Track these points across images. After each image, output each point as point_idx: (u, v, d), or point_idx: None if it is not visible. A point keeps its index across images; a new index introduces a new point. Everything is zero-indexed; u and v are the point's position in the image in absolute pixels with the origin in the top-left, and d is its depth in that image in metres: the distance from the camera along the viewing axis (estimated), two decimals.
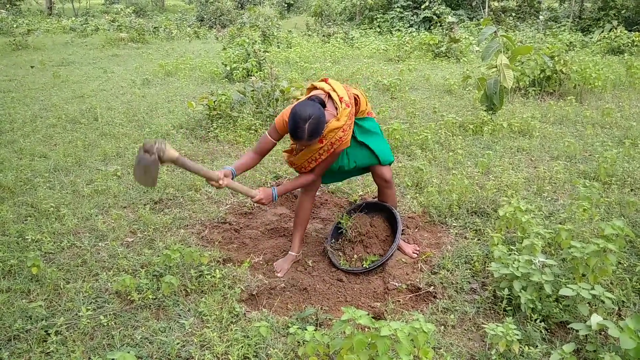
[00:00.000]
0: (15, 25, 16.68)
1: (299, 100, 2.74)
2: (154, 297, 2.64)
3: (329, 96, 2.86)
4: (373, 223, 3.20)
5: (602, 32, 13.97)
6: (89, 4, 37.10)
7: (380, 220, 3.24)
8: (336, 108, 2.81)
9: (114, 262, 3.05)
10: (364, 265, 2.98)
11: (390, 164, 3.15)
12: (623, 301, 2.55)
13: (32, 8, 32.00)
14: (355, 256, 3.07)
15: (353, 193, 4.07)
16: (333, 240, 3.25)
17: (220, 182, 2.57)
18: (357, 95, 2.96)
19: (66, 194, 4.06)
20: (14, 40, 14.22)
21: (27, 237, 3.27)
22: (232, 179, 2.69)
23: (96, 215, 3.68)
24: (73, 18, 24.74)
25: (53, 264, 3.03)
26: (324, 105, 2.76)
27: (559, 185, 4.07)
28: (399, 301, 2.70)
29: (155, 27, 17.85)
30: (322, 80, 3.01)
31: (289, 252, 3.17)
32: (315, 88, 3.00)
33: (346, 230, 3.18)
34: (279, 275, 3.00)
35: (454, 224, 3.50)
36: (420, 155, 4.80)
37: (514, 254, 2.72)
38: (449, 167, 4.48)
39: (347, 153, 3.03)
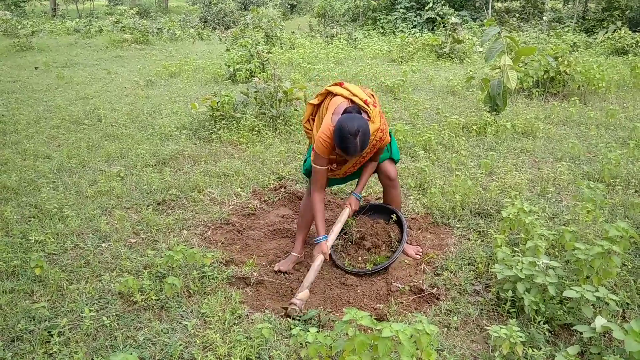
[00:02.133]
0: (19, 27, 16.76)
1: (342, 117, 2.67)
2: (157, 298, 2.64)
3: (351, 101, 2.85)
4: (377, 225, 3.20)
5: (606, 32, 13.94)
6: (92, 6, 37.24)
7: (385, 223, 3.23)
8: (365, 111, 2.81)
9: (117, 263, 3.05)
10: (368, 267, 2.97)
11: (397, 162, 3.20)
12: (627, 303, 2.54)
13: (37, 9, 32.16)
14: (359, 258, 3.06)
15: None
16: (337, 240, 3.24)
17: (327, 256, 2.84)
18: (373, 94, 2.98)
19: (70, 195, 4.07)
20: (18, 41, 14.29)
21: (30, 237, 3.28)
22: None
23: (99, 216, 3.69)
24: (77, 19, 24.82)
25: (56, 265, 3.03)
26: (360, 113, 2.76)
27: (563, 186, 4.06)
28: (401, 303, 2.69)
29: (158, 29, 17.91)
30: (337, 85, 2.98)
31: (291, 253, 3.17)
32: (330, 93, 2.97)
33: (350, 232, 3.17)
34: (281, 269, 3.02)
35: (457, 226, 3.49)
36: (423, 156, 4.79)
37: (518, 255, 2.71)
38: (452, 168, 4.47)
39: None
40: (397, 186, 3.22)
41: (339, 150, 2.66)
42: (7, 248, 3.17)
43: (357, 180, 3.17)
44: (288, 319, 2.55)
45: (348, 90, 2.91)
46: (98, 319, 2.49)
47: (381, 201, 3.42)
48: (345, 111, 2.76)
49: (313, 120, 3.12)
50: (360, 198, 3.10)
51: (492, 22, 5.63)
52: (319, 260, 2.78)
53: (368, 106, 2.81)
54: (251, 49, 9.47)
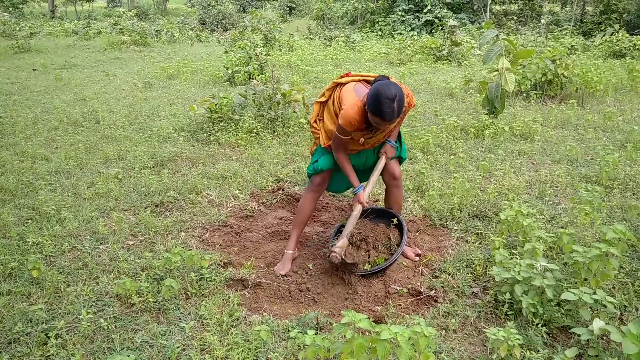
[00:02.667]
0: (17, 28, 16.75)
1: (375, 85, 2.64)
2: (155, 300, 2.64)
3: (366, 81, 2.90)
4: (377, 229, 3.19)
5: (604, 35, 13.99)
6: (91, 7, 37.28)
7: (385, 227, 3.22)
8: None
9: (115, 265, 3.05)
10: (365, 268, 2.97)
11: (403, 161, 3.25)
12: (625, 306, 2.54)
13: (35, 11, 32.15)
14: (357, 259, 3.06)
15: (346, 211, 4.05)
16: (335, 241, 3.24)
17: (365, 203, 2.97)
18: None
19: (67, 197, 4.06)
20: (17, 43, 14.28)
21: (27, 239, 3.27)
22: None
23: (97, 218, 3.68)
24: (75, 21, 24.85)
25: (54, 267, 3.03)
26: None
27: (561, 189, 4.06)
28: (400, 305, 2.69)
29: (157, 30, 17.94)
30: (344, 76, 3.02)
31: (285, 251, 3.14)
32: (338, 85, 3.00)
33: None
34: (282, 274, 3.01)
35: (455, 228, 3.49)
36: (421, 158, 4.80)
37: (516, 258, 2.71)
38: (450, 171, 4.47)
39: (358, 153, 3.11)
40: (401, 186, 3.23)
41: (374, 117, 2.62)
42: (4, 250, 3.16)
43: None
44: (331, 263, 2.83)
45: (358, 75, 2.96)
46: (95, 321, 2.49)
47: (380, 203, 3.41)
48: (376, 80, 2.74)
49: (320, 119, 3.11)
50: (396, 145, 3.11)
51: (490, 25, 5.64)
52: (357, 209, 2.96)
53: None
54: (250, 51, 9.49)
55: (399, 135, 3.21)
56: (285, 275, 3.02)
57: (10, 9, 28.19)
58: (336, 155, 2.96)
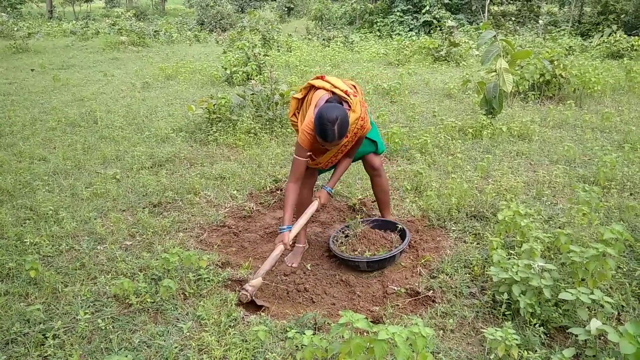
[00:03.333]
0: (15, 29, 16.73)
1: (322, 106, 2.76)
2: (152, 300, 2.64)
3: (333, 93, 2.94)
4: (379, 233, 3.23)
5: (602, 36, 14.01)
6: (89, 8, 37.23)
7: (384, 232, 3.25)
8: (345, 102, 2.89)
9: (113, 265, 3.04)
10: (367, 255, 3.00)
11: (382, 153, 3.30)
12: (622, 306, 2.54)
13: (33, 11, 32.11)
14: (358, 249, 3.09)
15: (352, 197, 4.06)
16: (338, 236, 3.25)
17: (288, 246, 2.88)
18: (354, 85, 3.09)
19: (65, 197, 4.06)
20: (15, 43, 14.26)
21: (25, 240, 3.27)
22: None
23: (95, 219, 3.67)
24: (74, 21, 24.82)
25: (51, 267, 3.02)
26: (341, 103, 2.85)
27: (558, 189, 4.07)
28: (397, 305, 2.69)
29: (155, 31, 17.92)
30: (319, 78, 3.08)
31: (296, 245, 3.21)
32: (313, 87, 3.05)
33: (353, 230, 3.20)
34: (294, 266, 3.09)
35: (453, 228, 3.50)
36: (419, 159, 4.80)
37: (513, 258, 2.72)
38: (448, 171, 4.48)
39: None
40: (382, 175, 3.33)
41: (319, 138, 2.72)
42: (1, 250, 3.16)
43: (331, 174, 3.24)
44: (239, 305, 2.65)
45: (329, 82, 2.99)
46: (93, 321, 2.48)
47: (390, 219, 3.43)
48: (327, 102, 2.84)
49: (298, 114, 3.20)
50: (332, 192, 3.16)
51: (488, 26, 5.64)
52: (278, 249, 2.83)
53: (348, 96, 2.90)
54: (248, 52, 9.49)
55: (375, 131, 3.29)
56: (295, 267, 3.10)
57: (8, 9, 28.12)
58: (288, 183, 2.97)
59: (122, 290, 2.63)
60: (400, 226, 3.22)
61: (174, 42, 17.19)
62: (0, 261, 3.02)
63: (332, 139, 2.69)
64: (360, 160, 3.40)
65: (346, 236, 3.21)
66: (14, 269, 2.96)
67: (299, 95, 3.15)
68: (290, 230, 2.90)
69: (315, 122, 2.71)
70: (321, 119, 2.66)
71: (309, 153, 2.93)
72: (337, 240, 3.18)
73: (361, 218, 3.40)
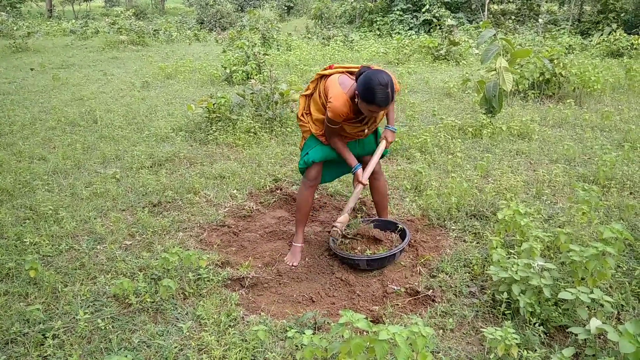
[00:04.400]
0: (15, 28, 16.69)
1: (365, 74, 2.73)
2: (152, 300, 2.64)
3: (349, 72, 2.98)
4: (379, 231, 3.23)
5: (602, 35, 13.99)
6: (89, 7, 37.19)
7: (387, 233, 3.26)
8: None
9: (112, 265, 3.04)
10: (367, 253, 3.01)
11: (382, 157, 3.28)
12: (622, 305, 2.54)
13: (33, 10, 32.07)
14: (358, 248, 3.10)
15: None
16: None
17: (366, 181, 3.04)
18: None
19: (65, 197, 4.06)
20: (14, 42, 14.25)
21: (25, 240, 3.27)
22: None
23: (95, 218, 3.67)
24: (73, 21, 24.80)
25: (51, 267, 3.02)
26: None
27: (558, 188, 4.07)
28: (397, 305, 2.69)
29: (155, 30, 17.90)
30: (327, 68, 3.09)
31: (294, 244, 3.22)
32: (323, 77, 3.06)
33: (354, 229, 3.21)
34: (295, 265, 3.11)
35: (453, 227, 3.50)
36: (419, 158, 4.80)
37: (513, 257, 2.72)
38: (448, 170, 4.48)
39: (358, 141, 3.21)
40: (382, 178, 3.38)
41: (370, 106, 2.68)
42: (1, 250, 3.16)
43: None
44: (332, 238, 3.03)
45: (341, 67, 3.03)
46: (93, 321, 2.48)
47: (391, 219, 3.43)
48: (361, 70, 2.82)
49: (308, 113, 3.18)
50: (396, 130, 3.18)
51: (487, 25, 5.64)
52: (359, 187, 3.03)
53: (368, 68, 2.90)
54: (248, 51, 9.48)
55: (377, 132, 3.32)
56: (295, 266, 3.11)
57: (8, 8, 28.10)
58: (331, 142, 3.04)
59: (121, 290, 2.63)
60: (400, 226, 3.22)
61: (174, 41, 17.18)
62: (0, 261, 3.02)
63: (385, 103, 2.67)
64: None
65: (344, 237, 3.21)
66: (14, 268, 2.96)
67: (307, 92, 3.16)
68: (360, 168, 3.03)
69: (363, 89, 2.66)
70: (372, 83, 2.63)
71: (339, 126, 2.95)
72: (337, 240, 3.19)
73: (361, 217, 3.40)
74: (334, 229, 2.95)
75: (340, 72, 2.99)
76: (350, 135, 3.07)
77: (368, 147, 3.26)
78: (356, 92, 2.74)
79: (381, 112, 2.79)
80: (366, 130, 3.06)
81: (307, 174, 3.15)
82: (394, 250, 2.98)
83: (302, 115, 3.20)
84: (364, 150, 3.26)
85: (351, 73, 2.97)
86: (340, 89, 2.84)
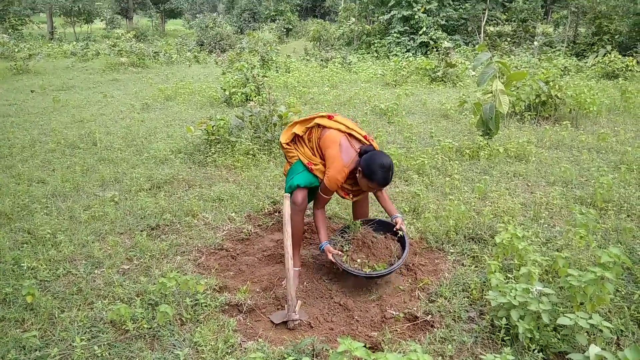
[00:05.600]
0: (16, 50, 16.88)
1: (370, 154, 3.00)
2: (149, 326, 2.62)
3: (350, 135, 3.14)
4: (379, 238, 3.20)
5: (597, 56, 14.18)
6: (90, 29, 37.64)
7: (389, 238, 3.22)
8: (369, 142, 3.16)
9: (110, 290, 3.03)
10: (365, 271, 2.99)
11: None
12: (622, 330, 2.53)
13: (34, 32, 32.42)
14: (358, 260, 3.07)
15: (350, 218, 4.06)
16: (337, 240, 3.25)
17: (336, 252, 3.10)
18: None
19: (63, 220, 4.05)
20: (15, 64, 14.37)
21: (22, 264, 3.26)
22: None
23: (92, 242, 3.67)
24: (74, 43, 25.07)
25: (48, 292, 3.01)
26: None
27: (556, 211, 4.08)
28: (396, 330, 2.67)
29: (155, 52, 18.09)
30: (326, 117, 3.18)
31: (293, 269, 3.15)
32: (318, 125, 3.18)
33: (353, 233, 3.21)
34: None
35: (451, 250, 3.49)
36: (417, 180, 4.82)
37: (511, 282, 2.71)
38: (445, 193, 4.49)
39: None
40: (366, 196, 3.46)
41: (371, 183, 2.95)
42: None
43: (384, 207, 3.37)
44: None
45: (343, 124, 3.13)
46: (89, 348, 2.46)
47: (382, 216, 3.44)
48: (366, 150, 3.05)
49: (294, 143, 3.27)
50: (323, 248, 3.20)
51: (483, 48, 5.72)
52: (291, 273, 2.83)
53: (368, 141, 3.15)
54: (247, 73, 9.57)
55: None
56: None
57: (10, 30, 28.46)
58: (315, 211, 3.22)
59: (118, 316, 2.61)
60: (400, 233, 3.17)
61: (174, 63, 17.35)
62: None
63: (386, 182, 2.95)
64: None
65: (343, 236, 3.25)
66: (11, 294, 2.94)
67: (300, 133, 3.23)
68: (329, 245, 3.14)
69: (368, 169, 2.92)
70: (376, 165, 2.90)
71: (331, 196, 3.17)
72: (336, 245, 3.18)
73: (360, 221, 3.36)
74: (295, 322, 2.74)
75: (343, 132, 3.12)
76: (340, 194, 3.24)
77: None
78: (359, 168, 2.98)
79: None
80: (352, 196, 3.25)
81: (294, 199, 3.16)
82: (394, 267, 2.97)
83: (288, 144, 3.27)
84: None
85: (352, 137, 3.12)
86: (342, 160, 3.02)
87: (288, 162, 3.31)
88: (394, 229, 3.18)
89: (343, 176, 3.02)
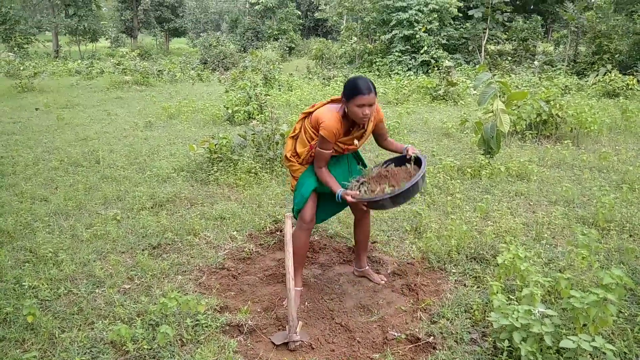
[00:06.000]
0: (22, 68, 17.07)
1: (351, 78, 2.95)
2: (149, 347, 2.61)
3: (333, 101, 3.11)
4: (394, 169, 3.09)
5: (597, 75, 14.27)
6: (95, 47, 38.08)
7: (401, 168, 3.11)
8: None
9: (110, 310, 3.02)
10: (387, 191, 2.83)
11: None
12: (625, 352, 2.51)
13: (40, 51, 32.80)
14: (377, 189, 2.94)
15: (352, 238, 4.06)
16: (352, 185, 3.09)
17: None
18: None
19: (65, 239, 4.06)
20: (20, 82, 14.52)
21: (24, 283, 3.25)
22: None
23: (94, 261, 3.67)
24: (79, 61, 25.34)
25: (49, 312, 3.00)
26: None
27: (558, 230, 4.07)
28: (398, 352, 2.66)
29: (159, 70, 18.26)
30: (311, 107, 3.19)
31: (295, 289, 3.12)
32: (309, 113, 3.17)
33: (368, 176, 3.11)
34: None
35: (453, 271, 3.48)
36: (419, 199, 4.82)
37: (514, 303, 2.70)
38: (447, 212, 4.49)
39: (349, 168, 3.25)
40: (369, 215, 3.42)
41: (356, 99, 2.82)
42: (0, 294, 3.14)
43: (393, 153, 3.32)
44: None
45: (323, 102, 3.15)
46: None
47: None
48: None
49: (295, 155, 3.21)
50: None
51: (484, 68, 5.78)
52: (292, 293, 2.80)
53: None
54: (249, 91, 9.65)
55: (363, 162, 3.38)
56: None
57: (15, 48, 28.82)
58: (317, 171, 3.08)
59: (119, 337, 2.60)
60: (414, 155, 3.04)
61: (177, 81, 17.50)
62: None
63: (367, 89, 2.81)
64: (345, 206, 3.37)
65: (362, 184, 3.06)
66: (11, 313, 2.94)
67: (294, 134, 3.22)
68: (344, 190, 2.95)
69: (347, 88, 2.86)
70: (352, 79, 2.88)
71: (331, 151, 3.02)
72: (352, 189, 3.02)
73: (374, 166, 3.28)
74: (297, 344, 2.72)
75: (325, 104, 3.11)
76: (342, 148, 3.10)
77: (352, 168, 3.31)
78: (343, 99, 2.92)
79: (368, 110, 2.86)
80: (356, 142, 3.10)
81: (302, 216, 3.13)
82: (414, 179, 2.77)
83: (291, 156, 3.23)
84: (347, 172, 3.27)
85: (335, 101, 3.10)
86: (333, 110, 2.98)
87: (293, 177, 3.25)
88: (407, 156, 3.08)
89: (337, 120, 2.93)
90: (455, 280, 3.36)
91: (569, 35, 17.76)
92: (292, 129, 3.32)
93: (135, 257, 3.73)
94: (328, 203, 3.33)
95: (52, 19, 33.30)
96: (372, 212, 3.48)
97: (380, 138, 3.27)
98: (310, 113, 3.15)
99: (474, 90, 12.31)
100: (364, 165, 3.38)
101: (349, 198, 2.90)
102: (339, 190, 2.97)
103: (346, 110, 2.92)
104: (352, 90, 2.83)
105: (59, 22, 33.03)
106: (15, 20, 30.05)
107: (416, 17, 18.36)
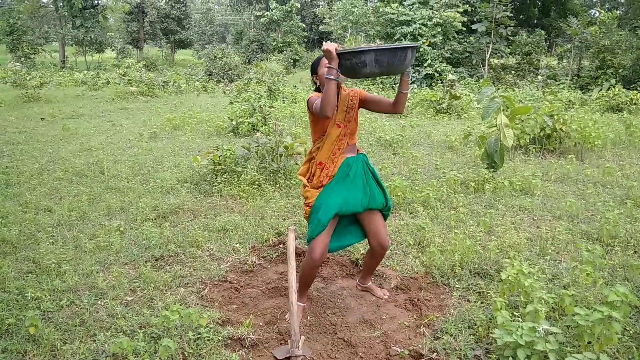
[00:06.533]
0: (28, 78, 17.22)
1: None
2: None
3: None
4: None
5: (601, 90, 14.29)
6: (101, 58, 38.43)
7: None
8: None
9: (112, 322, 3.02)
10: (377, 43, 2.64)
11: (389, 210, 3.20)
12: None
13: (46, 61, 33.10)
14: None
15: (355, 251, 4.05)
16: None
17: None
18: None
19: (68, 250, 4.06)
20: (27, 92, 14.62)
21: (27, 294, 3.25)
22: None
23: (97, 272, 3.67)
24: (85, 71, 25.56)
25: (51, 323, 2.99)
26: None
27: (562, 246, 4.05)
28: None
29: (164, 81, 18.38)
30: None
31: (298, 304, 3.11)
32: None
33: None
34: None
35: (456, 286, 3.47)
36: (422, 212, 4.81)
37: (518, 320, 2.68)
38: (451, 226, 4.48)
39: (365, 183, 3.06)
40: (384, 255, 3.25)
41: (319, 64, 3.02)
42: (2, 305, 3.14)
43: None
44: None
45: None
46: None
47: None
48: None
49: (312, 175, 3.10)
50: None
51: (487, 82, 5.79)
52: (294, 307, 2.71)
53: None
54: (254, 103, 9.70)
55: (380, 184, 3.16)
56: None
57: (22, 59, 29.12)
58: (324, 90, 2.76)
59: (120, 349, 2.59)
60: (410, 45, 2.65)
61: (182, 93, 17.62)
62: (0, 317, 2.99)
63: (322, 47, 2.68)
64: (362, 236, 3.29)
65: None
66: (14, 324, 2.94)
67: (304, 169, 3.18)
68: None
69: (312, 65, 3.11)
70: (318, 58, 3.07)
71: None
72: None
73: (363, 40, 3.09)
74: (297, 358, 2.66)
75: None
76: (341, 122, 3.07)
77: (377, 199, 3.09)
78: (314, 76, 3.09)
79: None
80: (342, 117, 3.06)
81: (312, 250, 2.95)
82: (404, 44, 2.51)
83: (306, 179, 3.14)
84: (375, 202, 3.08)
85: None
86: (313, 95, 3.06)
87: (307, 204, 3.07)
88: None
89: (315, 95, 3.01)
90: (459, 296, 3.34)
91: (572, 50, 17.84)
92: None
93: (138, 269, 3.73)
94: (345, 231, 3.21)
95: (59, 30, 33.67)
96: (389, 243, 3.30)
97: (382, 103, 3.13)
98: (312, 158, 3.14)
99: (478, 104, 12.35)
100: (384, 191, 3.16)
101: (329, 46, 2.62)
102: (324, 44, 2.70)
103: (318, 83, 3.07)
104: (315, 62, 3.07)
105: (65, 33, 33.39)
106: (23, 31, 30.42)
107: (420, 31, 18.47)
